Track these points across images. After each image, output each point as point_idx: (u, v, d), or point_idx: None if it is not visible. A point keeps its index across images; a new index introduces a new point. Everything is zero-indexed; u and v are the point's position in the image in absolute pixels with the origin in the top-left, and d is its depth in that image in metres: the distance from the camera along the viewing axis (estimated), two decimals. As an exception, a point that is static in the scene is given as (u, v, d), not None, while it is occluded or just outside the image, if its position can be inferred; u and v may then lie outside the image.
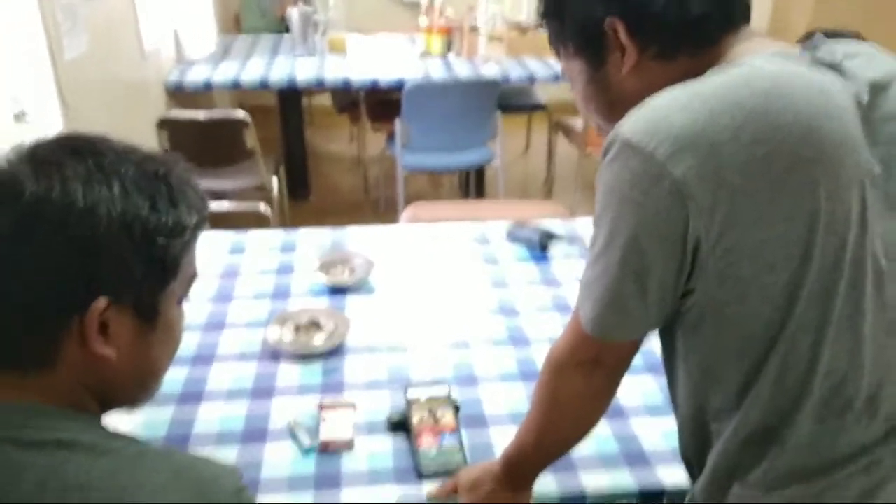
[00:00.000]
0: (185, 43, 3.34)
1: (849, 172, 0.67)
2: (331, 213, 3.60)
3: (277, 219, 3.08)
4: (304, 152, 3.72)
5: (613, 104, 0.83)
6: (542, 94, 4.00)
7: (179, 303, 0.74)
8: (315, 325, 1.39)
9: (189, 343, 1.36)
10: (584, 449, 1.09)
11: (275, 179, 2.99)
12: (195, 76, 3.16)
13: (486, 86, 3.14)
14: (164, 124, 2.71)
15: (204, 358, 1.33)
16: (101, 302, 0.62)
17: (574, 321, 0.83)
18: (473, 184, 3.76)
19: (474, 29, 3.51)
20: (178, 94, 3.16)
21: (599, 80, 0.83)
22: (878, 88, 0.71)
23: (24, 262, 0.61)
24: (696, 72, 0.75)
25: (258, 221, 2.84)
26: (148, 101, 2.85)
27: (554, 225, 1.80)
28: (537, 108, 4.02)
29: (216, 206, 2.74)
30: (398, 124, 3.10)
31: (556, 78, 3.36)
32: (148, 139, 2.73)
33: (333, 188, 4.03)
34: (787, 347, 0.70)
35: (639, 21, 0.76)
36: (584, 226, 1.82)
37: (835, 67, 0.72)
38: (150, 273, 0.67)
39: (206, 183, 2.96)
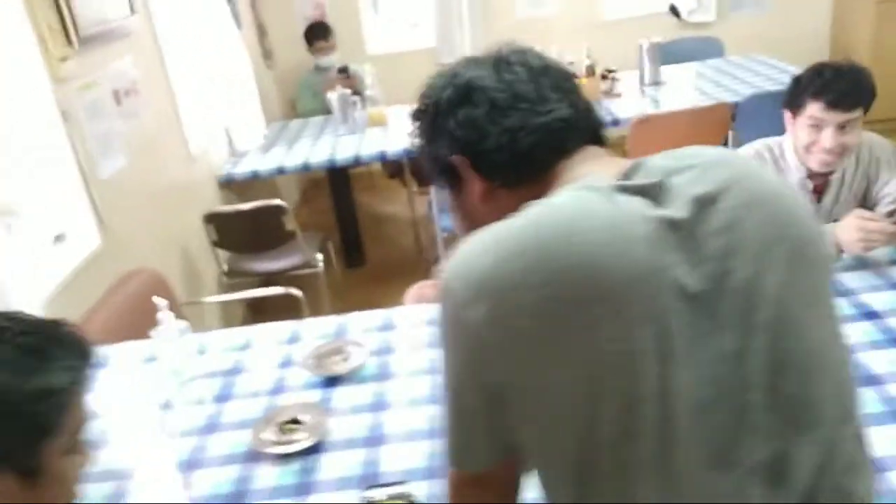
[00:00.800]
0: (237, 137, 3.59)
1: (638, 309, 0.65)
2: (385, 279, 3.70)
3: (328, 292, 3.21)
4: (356, 223, 3.87)
5: (477, 227, 0.86)
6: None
7: (75, 451, 0.82)
8: (296, 423, 1.44)
9: (182, 448, 1.45)
10: None
11: (320, 256, 3.13)
12: (244, 168, 3.39)
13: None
14: (211, 218, 2.92)
15: (193, 462, 1.40)
16: None
17: None
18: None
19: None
20: (234, 185, 3.39)
21: (461, 206, 0.88)
22: (704, 202, 0.70)
23: None
24: (543, 193, 0.77)
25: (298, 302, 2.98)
26: (198, 198, 3.07)
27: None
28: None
29: (249, 293, 2.89)
30: (433, 188, 3.17)
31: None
32: (198, 233, 2.95)
33: (389, 252, 4.14)
34: (598, 487, 0.68)
35: (477, 158, 0.81)
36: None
37: (646, 191, 0.71)
38: (22, 438, 0.75)
39: (256, 266, 3.15)
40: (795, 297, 0.70)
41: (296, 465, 1.35)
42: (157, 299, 1.65)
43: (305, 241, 3.13)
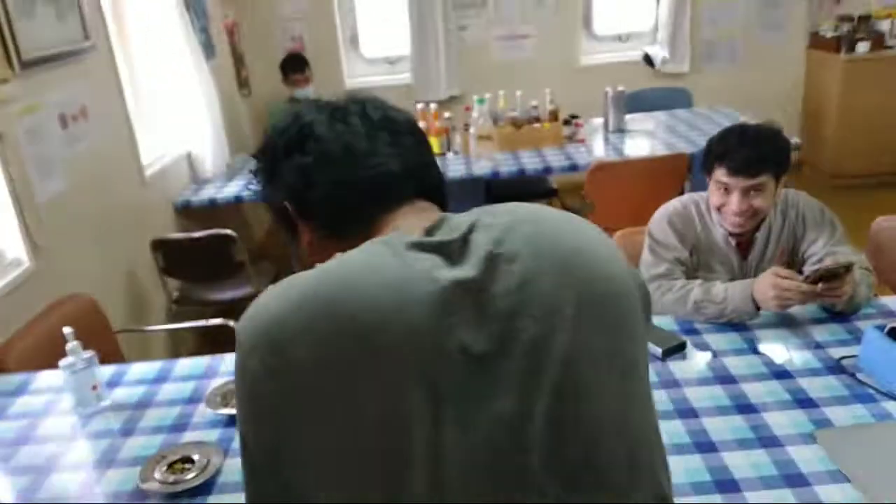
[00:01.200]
0: (199, 164, 3.60)
1: (410, 371, 0.64)
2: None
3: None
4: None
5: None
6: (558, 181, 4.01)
7: None
8: (188, 461, 1.41)
9: (69, 482, 1.41)
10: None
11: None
12: (203, 195, 3.39)
13: (470, 183, 3.19)
14: (159, 245, 2.90)
15: (81, 496, 1.37)
16: None
17: None
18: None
19: (467, 128, 3.59)
20: (196, 212, 3.37)
21: (298, 246, 0.88)
22: (498, 261, 0.69)
23: None
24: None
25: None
26: (151, 224, 3.05)
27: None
28: (551, 193, 4.04)
29: (185, 325, 2.89)
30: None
31: (547, 170, 3.37)
32: (148, 260, 2.93)
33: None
34: None
35: (304, 206, 0.82)
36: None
37: (442, 248, 0.70)
38: None
39: (209, 295, 3.12)
40: (588, 359, 0.68)
41: (181, 506, 1.32)
42: (66, 329, 1.62)
43: (259, 271, 3.11)
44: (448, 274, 0.68)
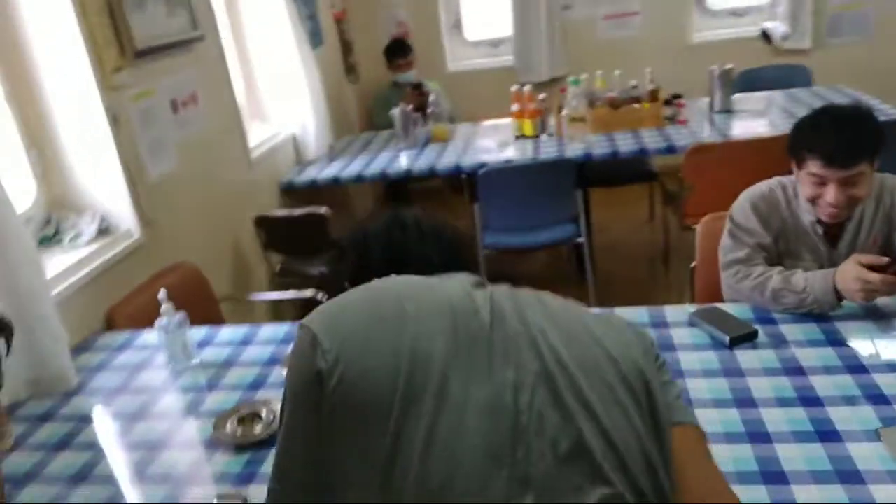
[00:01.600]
0: (303, 146, 3.80)
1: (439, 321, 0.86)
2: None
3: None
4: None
5: None
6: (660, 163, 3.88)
7: None
8: (257, 417, 1.53)
9: (154, 428, 1.57)
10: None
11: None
12: (305, 176, 3.57)
13: (561, 166, 3.15)
14: (261, 222, 3.10)
15: (160, 443, 1.52)
16: None
17: None
18: (579, 259, 3.73)
19: (561, 110, 3.55)
20: (302, 191, 3.57)
21: None
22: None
23: None
24: None
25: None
26: (255, 202, 3.26)
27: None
28: (650, 177, 3.92)
29: (277, 295, 3.08)
30: (476, 207, 3.21)
31: (643, 151, 3.28)
32: (252, 235, 3.14)
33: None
34: None
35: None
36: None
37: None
38: None
39: (308, 268, 3.30)
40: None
41: (246, 456, 1.44)
42: (161, 292, 1.79)
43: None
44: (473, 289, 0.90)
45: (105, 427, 1.63)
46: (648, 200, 4.30)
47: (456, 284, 0.91)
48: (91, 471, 1.45)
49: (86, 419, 1.65)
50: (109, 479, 1.42)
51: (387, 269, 0.98)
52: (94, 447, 1.53)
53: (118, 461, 1.49)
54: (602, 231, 4.06)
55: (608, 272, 3.74)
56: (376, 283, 0.92)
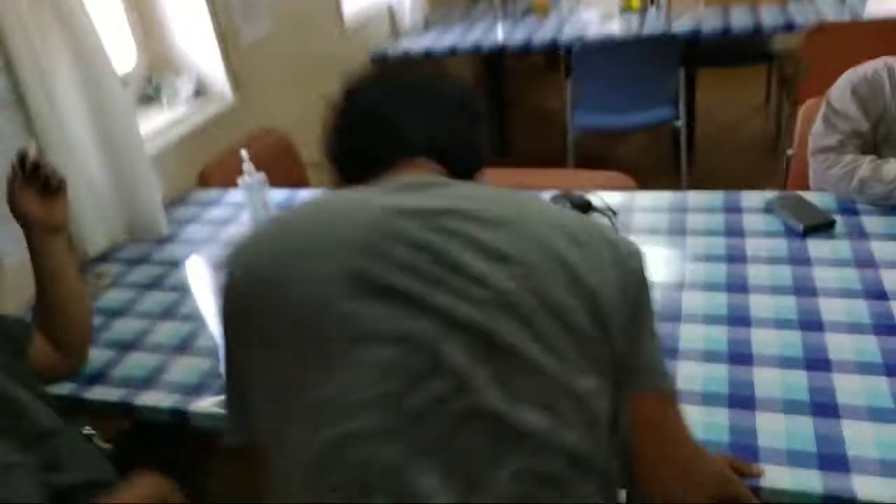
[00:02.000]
0: (399, 17, 3.74)
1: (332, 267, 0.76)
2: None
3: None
4: (503, 111, 3.90)
5: None
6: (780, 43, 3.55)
7: None
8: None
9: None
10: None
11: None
12: (398, 47, 3.54)
13: (665, 42, 2.95)
14: (351, 92, 3.14)
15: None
16: None
17: None
18: (679, 145, 3.56)
19: (672, -20, 3.28)
20: (394, 63, 3.56)
21: None
22: (427, 215, 0.76)
23: None
24: None
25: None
26: (348, 71, 3.28)
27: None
28: (768, 58, 3.60)
29: None
30: (568, 84, 3.10)
31: (758, 29, 3.00)
32: (343, 105, 3.19)
33: (534, 144, 4.11)
34: None
35: (330, 157, 0.97)
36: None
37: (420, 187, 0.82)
38: None
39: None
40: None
41: None
42: (243, 151, 1.89)
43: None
44: (385, 200, 0.78)
45: (191, 272, 1.80)
46: (765, 85, 3.97)
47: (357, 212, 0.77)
48: (177, 309, 1.62)
49: (175, 264, 1.82)
50: (191, 316, 1.58)
51: (349, 146, 0.94)
52: (179, 289, 1.70)
53: (201, 302, 1.65)
54: (707, 117, 3.82)
55: (709, 162, 3.55)
56: (301, 208, 0.83)
